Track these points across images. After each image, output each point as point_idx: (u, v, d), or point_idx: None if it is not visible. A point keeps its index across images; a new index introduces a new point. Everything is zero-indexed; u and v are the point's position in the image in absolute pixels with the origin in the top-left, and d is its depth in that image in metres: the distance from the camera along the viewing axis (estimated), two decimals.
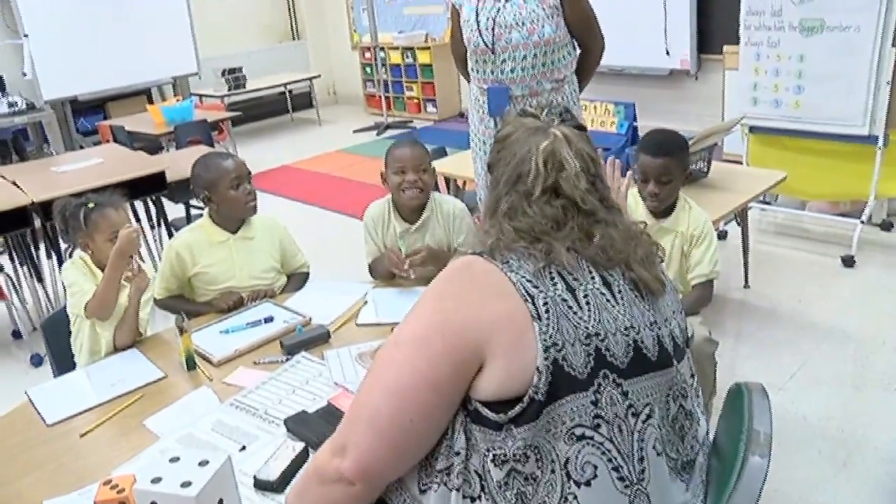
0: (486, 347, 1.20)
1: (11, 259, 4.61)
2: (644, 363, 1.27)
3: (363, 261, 2.86)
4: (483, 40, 2.99)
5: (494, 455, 1.21)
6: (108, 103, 8.72)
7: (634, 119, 4.15)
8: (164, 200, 4.90)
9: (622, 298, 1.29)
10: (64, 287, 2.49)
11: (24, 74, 7.53)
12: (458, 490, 1.24)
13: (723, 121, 5.40)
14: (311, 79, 10.04)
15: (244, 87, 9.35)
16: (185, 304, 2.69)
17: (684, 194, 2.77)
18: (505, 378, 1.19)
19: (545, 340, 1.18)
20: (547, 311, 1.21)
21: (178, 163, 4.66)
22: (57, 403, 2.10)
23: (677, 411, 1.33)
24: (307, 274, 2.91)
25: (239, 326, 2.41)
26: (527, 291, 1.22)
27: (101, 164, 4.78)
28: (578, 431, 1.20)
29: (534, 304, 1.21)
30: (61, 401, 2.11)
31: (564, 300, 1.23)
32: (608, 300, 1.27)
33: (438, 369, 1.21)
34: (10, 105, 7.40)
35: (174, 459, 1.50)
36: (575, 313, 1.23)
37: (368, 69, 10.04)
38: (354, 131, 9.09)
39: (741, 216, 3.89)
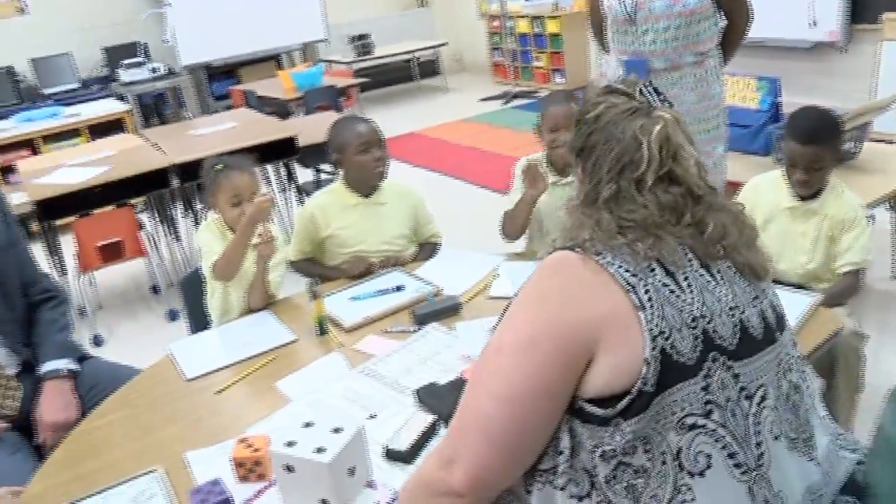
0: (594, 345, 1.16)
1: (152, 217, 4.83)
2: (752, 343, 1.22)
3: (489, 231, 2.83)
4: (623, 9, 2.88)
5: (603, 451, 1.16)
6: (239, 69, 8.97)
7: (777, 95, 3.92)
8: (295, 165, 5.01)
9: (722, 278, 1.24)
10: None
11: (165, 41, 7.85)
12: (562, 489, 1.19)
13: (875, 97, 5.06)
14: (437, 46, 10.04)
15: (371, 53, 9.44)
16: (317, 267, 2.73)
17: (836, 177, 2.60)
18: (612, 373, 1.15)
19: (652, 330, 1.14)
20: (650, 300, 1.16)
21: (308, 128, 4.75)
22: (195, 360, 2.17)
23: (788, 388, 1.27)
24: (438, 245, 2.89)
25: (369, 294, 2.42)
26: (626, 282, 1.17)
27: (235, 128, 4.92)
28: (689, 421, 1.15)
29: (636, 293, 1.16)
30: (199, 357, 2.18)
31: (666, 285, 1.18)
32: (708, 280, 1.22)
33: (550, 373, 1.16)
34: (153, 70, 7.73)
35: (308, 424, 1.52)
36: (678, 297, 1.18)
37: (496, 38, 9.96)
38: (480, 100, 9.05)
39: (893, 201, 3.64)
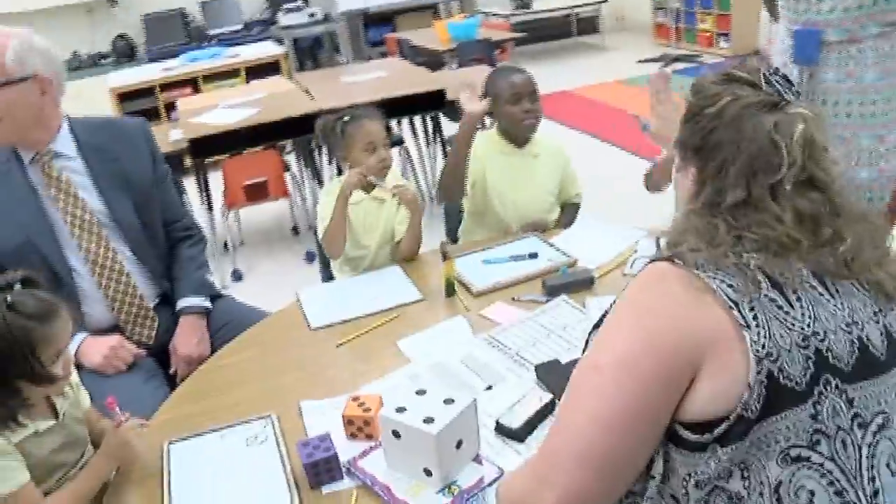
0: (697, 366, 1.04)
1: (298, 160, 4.92)
2: (872, 364, 1.08)
3: (635, 202, 2.69)
4: None
5: (697, 481, 1.06)
6: (396, 16, 9.00)
7: None
8: (442, 118, 4.97)
9: (838, 291, 1.10)
10: None
11: None
12: None
13: None
14: (599, 3, 9.73)
15: (530, 7, 9.25)
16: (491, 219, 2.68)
17: None
18: (712, 397, 1.03)
19: (758, 351, 1.01)
20: (755, 318, 1.03)
21: (458, 81, 4.68)
22: (321, 309, 2.17)
23: None
24: (579, 205, 2.81)
25: (502, 258, 2.34)
26: (729, 298, 1.04)
27: (386, 77, 4.91)
28: (794, 452, 1.03)
29: (739, 310, 1.03)
30: (325, 307, 2.18)
31: (773, 300, 1.05)
32: (821, 294, 1.08)
33: (652, 395, 1.06)
34: (311, 15, 7.85)
35: (420, 392, 1.49)
36: (787, 313, 1.05)
37: None
38: (639, 61, 8.64)
39: None
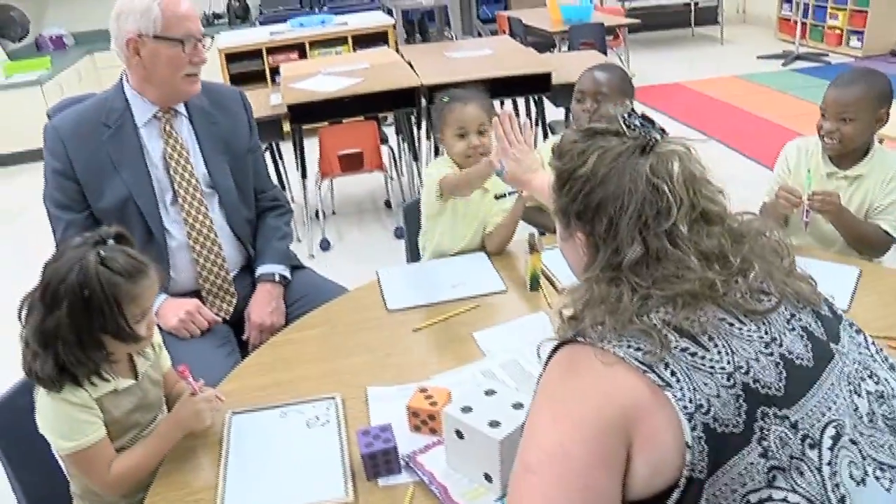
0: (628, 440, 0.99)
1: (396, 133, 4.88)
2: (803, 377, 1.03)
3: (747, 205, 2.53)
4: None
5: None
6: None
7: None
8: (546, 101, 4.85)
9: (746, 314, 1.05)
10: None
11: None
12: None
13: None
14: None
15: None
16: (542, 217, 2.57)
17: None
18: (653, 470, 0.98)
19: (686, 407, 0.96)
20: (673, 374, 0.98)
21: (565, 65, 4.56)
22: (400, 291, 2.12)
23: (870, 403, 1.07)
24: None
25: None
26: (640, 362, 0.99)
27: (492, 55, 4.82)
28: (754, 498, 0.96)
29: (654, 372, 0.98)
30: (404, 289, 2.13)
31: (685, 350, 1.00)
32: (731, 323, 1.03)
33: (593, 481, 0.99)
34: None
35: (490, 392, 1.43)
36: (703, 359, 1.00)
37: None
38: (758, 57, 8.32)
39: None
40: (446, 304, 2.03)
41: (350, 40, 6.32)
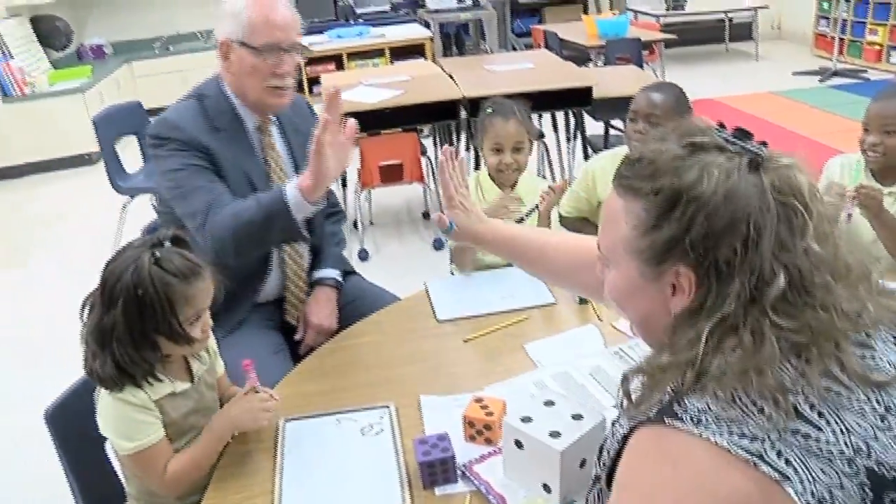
0: None
1: (435, 145, 4.91)
2: None
3: None
4: None
5: None
6: (544, 8, 8.95)
7: None
8: (585, 115, 4.85)
9: (849, 372, 0.89)
10: None
11: None
12: None
13: None
14: (756, 8, 9.31)
15: (683, 8, 8.97)
16: (589, 228, 2.58)
17: None
18: None
19: (808, 503, 0.82)
20: (788, 463, 0.83)
21: (605, 80, 4.57)
22: (450, 301, 2.13)
23: None
24: None
25: None
26: (748, 451, 0.83)
27: (532, 69, 4.83)
28: None
29: (766, 462, 0.82)
30: (454, 300, 2.14)
31: (796, 432, 0.85)
32: (837, 391, 0.88)
33: None
34: (460, 1, 7.84)
35: (549, 403, 1.42)
36: (818, 441, 0.85)
37: (825, 4, 9.00)
38: (794, 73, 8.27)
39: None
40: (496, 315, 2.03)
41: (387, 52, 6.37)
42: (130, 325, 1.47)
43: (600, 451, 1.04)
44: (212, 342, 1.71)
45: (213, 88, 2.10)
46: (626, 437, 0.95)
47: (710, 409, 0.86)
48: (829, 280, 0.90)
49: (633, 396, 0.96)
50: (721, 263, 0.90)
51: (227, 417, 1.60)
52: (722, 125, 1.00)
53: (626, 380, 0.98)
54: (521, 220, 2.28)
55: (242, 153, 2.08)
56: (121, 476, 1.70)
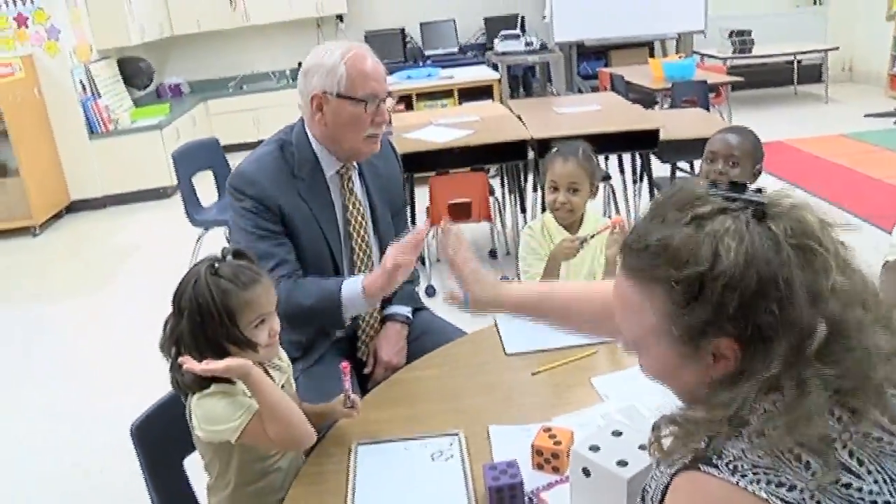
0: None
1: (502, 184, 4.97)
2: None
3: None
4: None
5: None
6: (610, 51, 9.00)
7: None
8: (652, 157, 4.87)
9: (890, 415, 0.88)
10: None
11: (544, 17, 8.06)
12: None
13: None
14: (826, 51, 9.22)
15: (750, 51, 8.93)
16: None
17: None
18: None
19: None
20: None
21: (672, 122, 4.60)
22: (518, 335, 2.16)
23: None
24: None
25: None
26: (785, 501, 0.82)
27: (599, 111, 4.88)
28: None
29: None
30: (522, 334, 2.16)
31: (835, 481, 0.83)
32: (875, 438, 0.86)
33: None
34: (527, 44, 7.97)
35: (616, 433, 1.44)
36: (859, 490, 0.83)
37: None
38: (866, 115, 8.14)
39: None
40: (563, 349, 2.06)
41: (456, 93, 6.50)
42: (194, 333, 1.54)
43: (643, 493, 1.03)
44: (285, 357, 1.79)
45: (296, 136, 2.17)
46: (666, 486, 0.94)
47: (745, 456, 0.85)
48: (863, 317, 0.89)
49: (664, 445, 0.95)
50: (762, 328, 0.88)
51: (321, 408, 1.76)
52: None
53: (657, 428, 0.96)
54: (582, 244, 2.30)
55: (319, 203, 2.15)
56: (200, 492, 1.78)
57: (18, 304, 5.21)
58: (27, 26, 6.78)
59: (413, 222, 4.57)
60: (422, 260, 4.62)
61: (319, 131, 2.12)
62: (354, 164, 2.22)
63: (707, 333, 0.92)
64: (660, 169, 5.01)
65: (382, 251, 2.11)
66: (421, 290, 4.30)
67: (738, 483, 0.84)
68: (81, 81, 7.09)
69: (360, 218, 2.23)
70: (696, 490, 0.88)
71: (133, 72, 8.05)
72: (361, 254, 2.24)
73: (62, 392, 3.86)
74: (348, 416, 1.74)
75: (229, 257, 1.61)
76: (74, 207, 7.20)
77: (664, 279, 0.92)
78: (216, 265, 1.57)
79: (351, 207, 2.21)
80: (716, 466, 0.86)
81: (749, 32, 8.93)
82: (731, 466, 0.85)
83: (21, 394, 3.97)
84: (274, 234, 2.09)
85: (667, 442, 0.94)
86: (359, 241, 2.23)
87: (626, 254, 1.00)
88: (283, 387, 1.70)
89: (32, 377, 4.14)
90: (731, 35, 8.88)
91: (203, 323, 1.54)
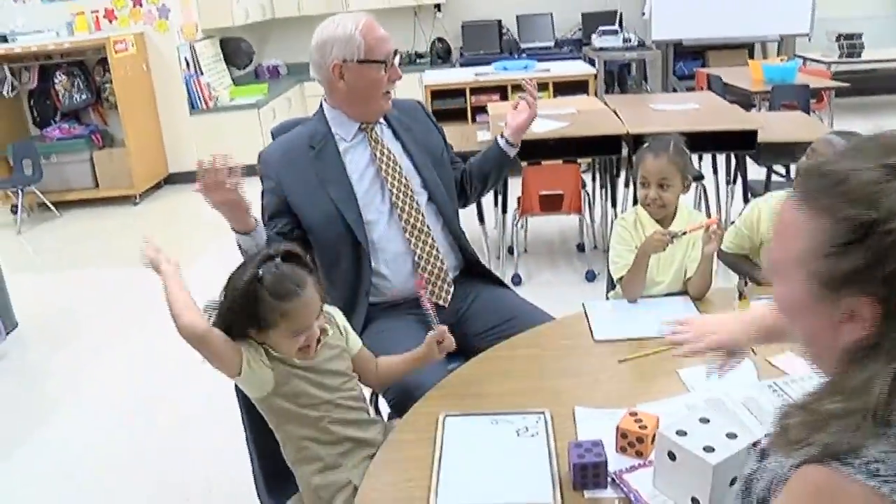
0: None
1: (593, 178, 4.97)
2: None
3: None
4: None
5: None
6: (708, 52, 8.82)
7: None
8: (747, 159, 4.80)
9: None
10: None
11: (643, 14, 7.97)
12: None
13: None
14: None
15: (859, 56, 8.58)
16: (747, 267, 2.59)
17: None
18: None
19: None
20: None
21: (770, 124, 4.51)
22: (607, 323, 2.20)
23: None
24: None
25: None
26: None
27: (697, 109, 4.82)
28: None
29: None
30: (611, 321, 2.21)
31: None
32: None
33: None
34: (625, 41, 7.90)
35: (704, 420, 1.46)
36: None
37: None
38: None
39: None
40: (652, 339, 2.07)
41: (551, 87, 6.49)
42: (226, 322, 1.71)
43: (748, 483, 1.00)
44: (341, 318, 1.89)
45: (314, 118, 2.43)
46: (786, 477, 0.90)
47: (887, 460, 0.79)
48: None
49: (791, 434, 0.88)
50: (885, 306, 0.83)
51: (418, 353, 1.94)
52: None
53: (786, 415, 0.91)
54: (672, 239, 2.29)
55: (328, 167, 2.32)
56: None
57: (118, 266, 5.47)
58: (141, 5, 7.20)
59: (504, 211, 4.61)
60: (510, 249, 4.66)
61: (339, 97, 2.33)
62: (382, 121, 2.42)
63: (852, 284, 0.86)
64: (754, 171, 4.93)
65: (430, 193, 2.40)
66: (508, 277, 4.37)
67: (879, 489, 0.78)
68: (186, 59, 7.38)
69: (390, 163, 2.36)
70: (826, 487, 0.82)
71: (234, 51, 8.31)
72: (398, 192, 2.34)
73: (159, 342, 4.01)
74: (448, 349, 1.86)
75: (279, 259, 1.70)
76: (172, 179, 7.48)
77: (832, 211, 0.87)
78: (260, 272, 1.66)
79: (380, 155, 2.36)
80: (850, 465, 0.80)
81: (859, 36, 8.57)
82: (870, 468, 0.79)
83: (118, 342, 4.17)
84: (271, 201, 2.34)
85: (794, 432, 0.88)
86: (394, 182, 2.35)
87: (804, 176, 0.95)
88: (340, 355, 1.83)
89: (126, 331, 4.37)
90: (838, 38, 8.55)
91: (234, 320, 1.69)
